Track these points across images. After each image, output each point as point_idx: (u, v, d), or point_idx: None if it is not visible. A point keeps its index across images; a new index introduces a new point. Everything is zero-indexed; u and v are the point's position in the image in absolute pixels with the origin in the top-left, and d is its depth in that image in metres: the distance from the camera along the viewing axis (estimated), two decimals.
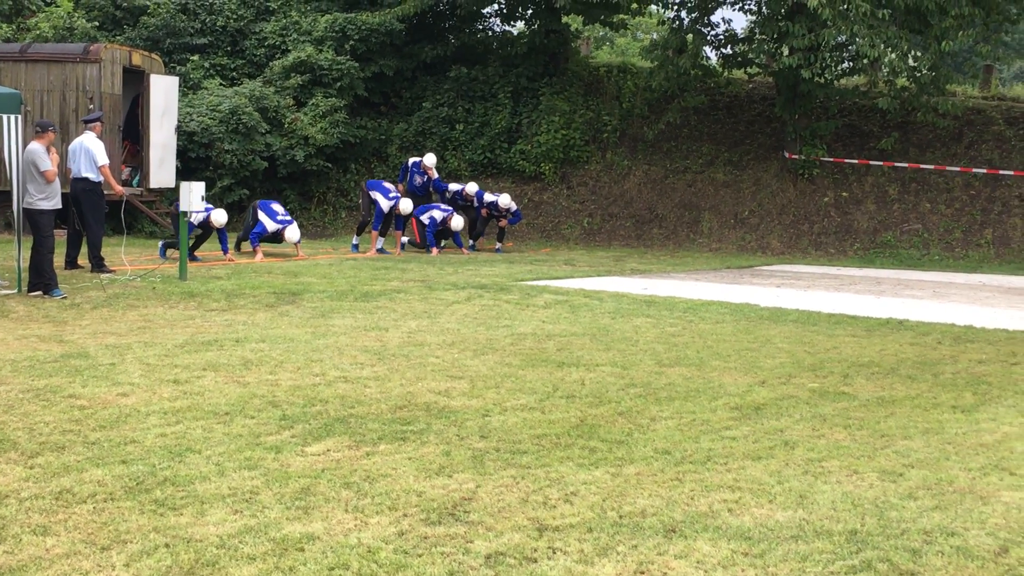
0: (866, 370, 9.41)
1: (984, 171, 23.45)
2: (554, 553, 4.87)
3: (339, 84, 26.51)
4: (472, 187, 22.52)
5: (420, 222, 21.17)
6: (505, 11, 30.23)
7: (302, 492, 5.60)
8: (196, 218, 17.40)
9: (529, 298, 13.90)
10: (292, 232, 19.13)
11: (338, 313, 12.24)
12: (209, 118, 24.32)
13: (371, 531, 5.07)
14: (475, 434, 6.87)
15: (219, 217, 18.01)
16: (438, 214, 20.93)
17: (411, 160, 22.86)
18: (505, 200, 21.90)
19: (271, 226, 19.00)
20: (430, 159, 22.32)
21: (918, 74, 22.94)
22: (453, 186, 22.86)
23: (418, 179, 22.30)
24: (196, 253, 17.96)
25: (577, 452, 6.51)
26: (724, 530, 5.19)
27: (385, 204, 20.24)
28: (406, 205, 20.39)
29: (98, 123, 16.32)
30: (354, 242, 21.29)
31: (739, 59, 25.87)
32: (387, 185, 20.91)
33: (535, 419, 7.31)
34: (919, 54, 23.13)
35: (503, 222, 22.24)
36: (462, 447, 6.56)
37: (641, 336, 11.08)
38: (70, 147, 16.11)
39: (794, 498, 5.71)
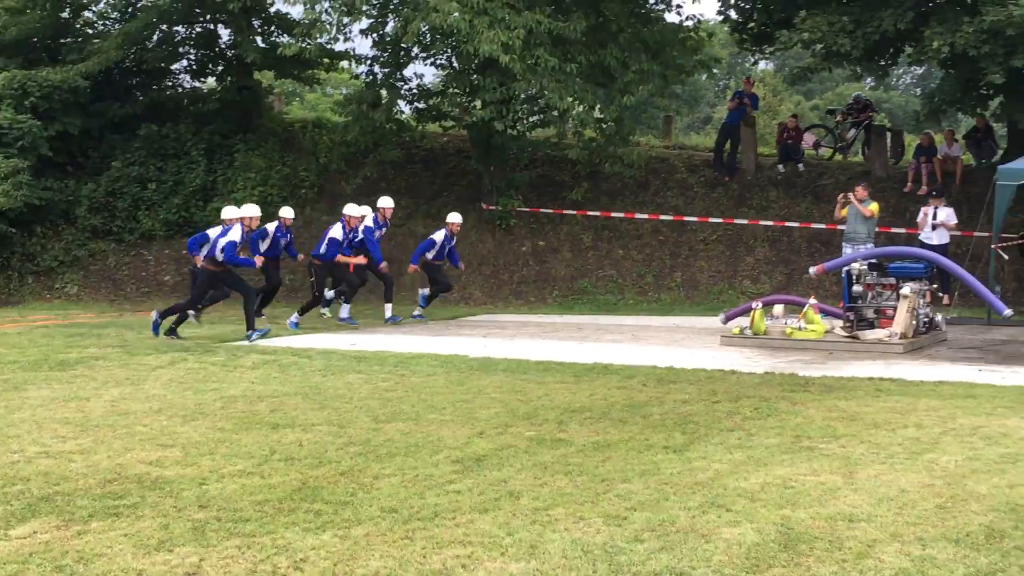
0: (579, 415, 9.58)
1: (671, 217, 24.53)
2: None
3: (20, 144, 25.29)
4: (286, 211, 19.33)
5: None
6: (195, 67, 29.73)
7: None
8: None
9: (236, 359, 13.55)
10: None
11: (33, 384, 11.58)
12: None
13: None
14: (193, 504, 6.59)
15: None
16: None
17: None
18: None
19: None
20: (286, 212, 19.31)
21: (604, 126, 23.87)
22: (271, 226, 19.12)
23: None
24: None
25: (302, 516, 6.32)
26: None
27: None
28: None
29: None
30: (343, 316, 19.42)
31: (433, 113, 26.19)
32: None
33: (255, 484, 7.08)
34: (604, 107, 24.05)
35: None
36: (180, 519, 6.27)
37: (355, 393, 10.96)
38: None
39: (525, 549, 5.71)
